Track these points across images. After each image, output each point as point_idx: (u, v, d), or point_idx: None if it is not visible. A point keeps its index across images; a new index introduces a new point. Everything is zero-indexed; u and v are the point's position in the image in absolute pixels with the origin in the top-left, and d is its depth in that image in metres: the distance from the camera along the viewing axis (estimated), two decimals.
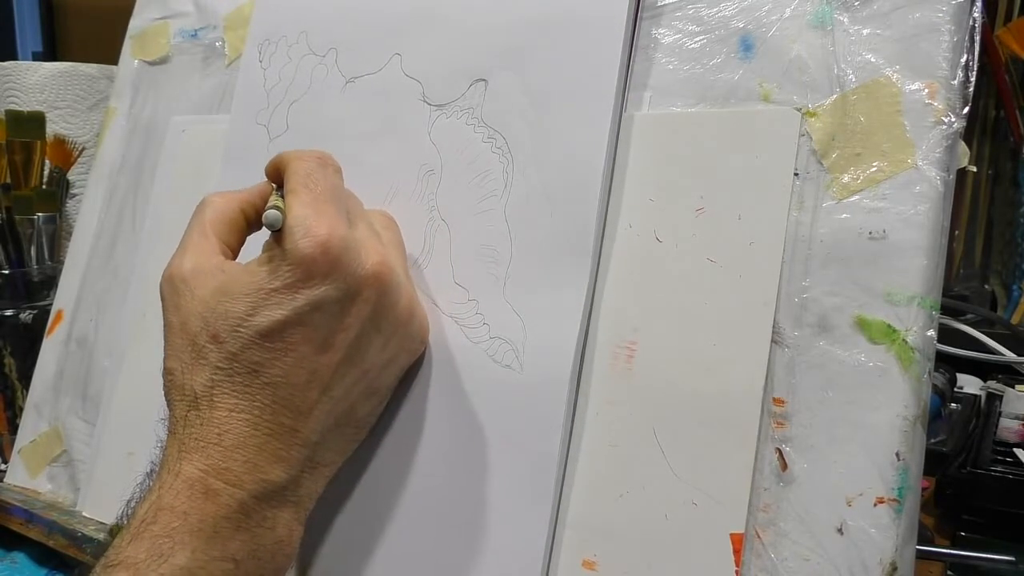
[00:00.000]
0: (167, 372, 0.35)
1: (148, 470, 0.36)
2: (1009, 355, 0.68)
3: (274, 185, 0.38)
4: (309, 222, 0.34)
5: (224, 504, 0.32)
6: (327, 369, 0.34)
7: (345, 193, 0.38)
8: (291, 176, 0.36)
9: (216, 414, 0.33)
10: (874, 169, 0.33)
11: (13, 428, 0.59)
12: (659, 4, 0.39)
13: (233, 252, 0.38)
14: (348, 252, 0.34)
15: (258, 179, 0.47)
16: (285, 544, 0.34)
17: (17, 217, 0.66)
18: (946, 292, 0.45)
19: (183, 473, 0.32)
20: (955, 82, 0.33)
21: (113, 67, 0.65)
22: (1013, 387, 0.60)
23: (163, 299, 0.36)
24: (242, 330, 0.33)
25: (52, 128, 0.78)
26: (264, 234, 0.36)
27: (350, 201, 0.38)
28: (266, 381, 0.33)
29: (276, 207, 0.35)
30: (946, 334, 0.68)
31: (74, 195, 0.78)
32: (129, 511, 0.35)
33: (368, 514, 0.39)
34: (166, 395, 0.35)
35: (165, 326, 0.36)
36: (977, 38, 0.34)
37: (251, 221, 0.39)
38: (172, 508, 0.31)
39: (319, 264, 0.33)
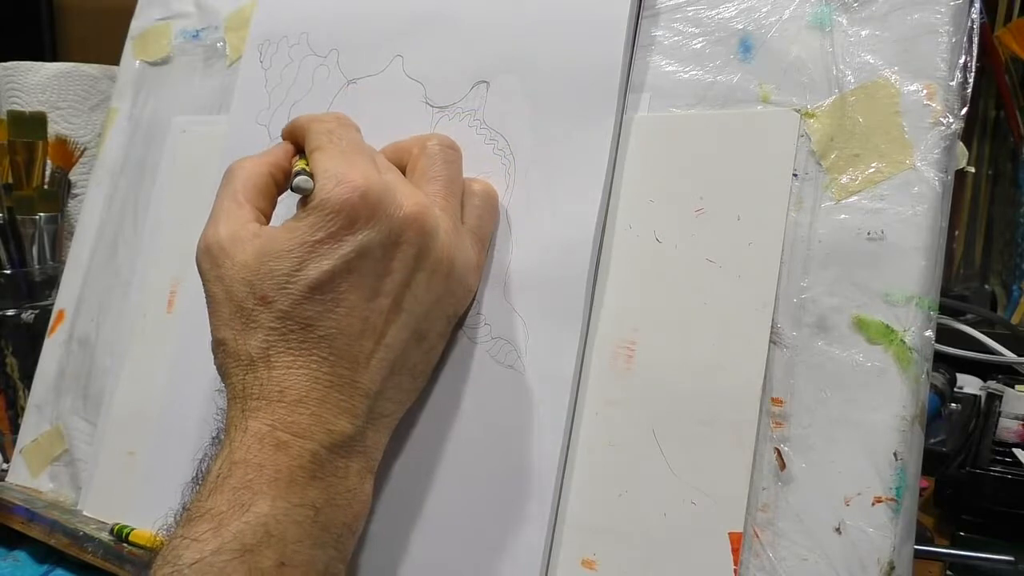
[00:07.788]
0: (219, 343, 0.35)
1: (212, 437, 0.36)
2: (1009, 355, 0.67)
3: (294, 149, 0.38)
4: (341, 171, 0.34)
5: (296, 455, 0.32)
6: (378, 316, 0.34)
7: (370, 148, 0.38)
8: (313, 136, 0.36)
9: (274, 373, 0.33)
10: (872, 170, 0.34)
11: (15, 428, 0.59)
12: (658, 5, 0.39)
13: (266, 217, 0.37)
14: (387, 194, 0.34)
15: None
16: (359, 492, 0.34)
17: (19, 217, 0.66)
18: (946, 292, 0.46)
19: (251, 429, 0.32)
20: (953, 83, 0.33)
21: (115, 67, 0.65)
22: (1013, 387, 0.60)
23: (202, 272, 0.36)
24: (291, 286, 0.33)
25: (54, 128, 0.78)
26: (290, 196, 0.36)
27: (377, 156, 0.38)
28: (321, 335, 0.33)
29: (303, 171, 0.34)
30: (946, 334, 0.68)
31: (76, 195, 0.78)
32: (201, 471, 0.35)
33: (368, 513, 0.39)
34: (220, 367, 0.35)
35: (208, 298, 0.35)
36: (976, 39, 0.34)
37: (279, 184, 0.38)
38: (246, 461, 0.32)
39: (359, 209, 0.33)
